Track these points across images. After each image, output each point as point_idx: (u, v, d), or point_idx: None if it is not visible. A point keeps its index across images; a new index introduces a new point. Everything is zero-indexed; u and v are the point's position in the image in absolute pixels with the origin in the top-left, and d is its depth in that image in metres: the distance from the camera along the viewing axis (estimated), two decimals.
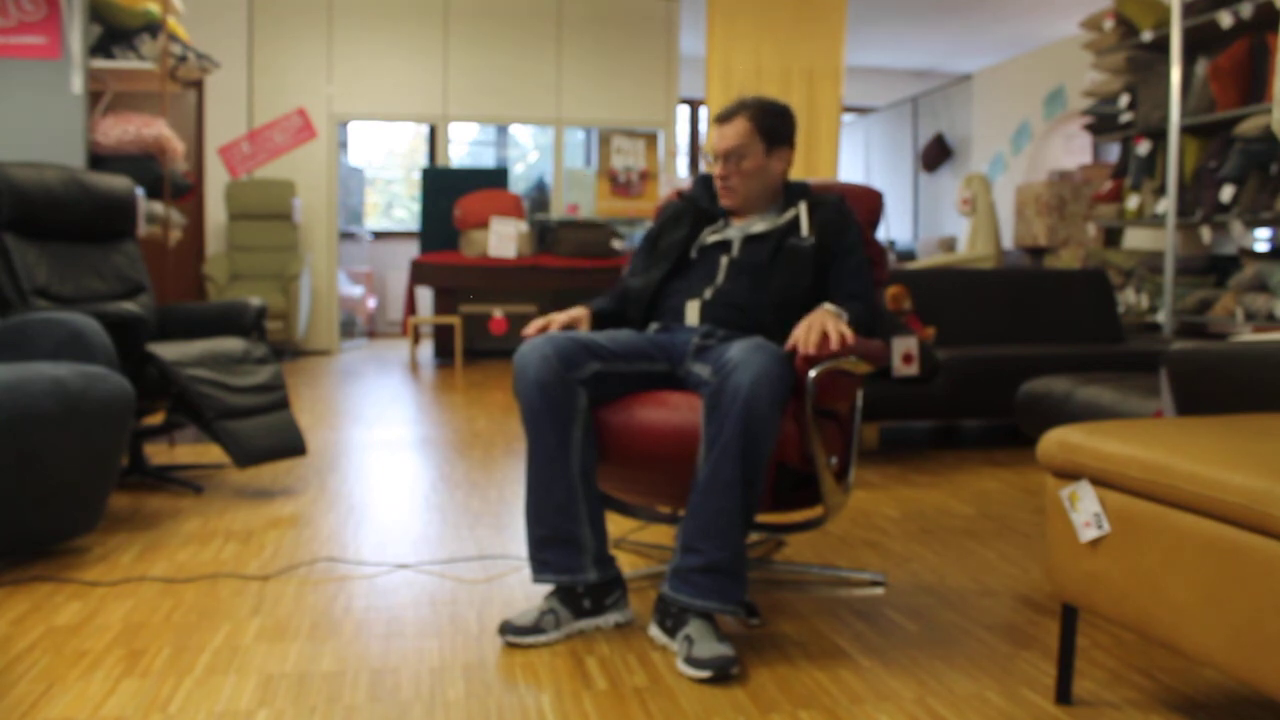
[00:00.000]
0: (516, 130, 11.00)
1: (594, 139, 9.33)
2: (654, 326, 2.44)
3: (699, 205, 2.55)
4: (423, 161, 10.58)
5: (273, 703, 1.82)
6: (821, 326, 2.13)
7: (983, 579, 2.58)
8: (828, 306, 2.25)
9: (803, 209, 2.45)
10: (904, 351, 4.01)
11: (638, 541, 2.83)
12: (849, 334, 2.14)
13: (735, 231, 2.48)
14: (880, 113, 12.06)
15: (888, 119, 12.01)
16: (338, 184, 8.41)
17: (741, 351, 2.05)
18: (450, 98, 8.51)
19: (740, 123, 2.43)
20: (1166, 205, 5.62)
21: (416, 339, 7.79)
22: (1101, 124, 6.41)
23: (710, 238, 2.49)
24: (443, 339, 7.75)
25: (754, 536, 2.62)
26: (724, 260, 2.44)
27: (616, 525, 2.88)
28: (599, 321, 2.47)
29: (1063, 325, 4.78)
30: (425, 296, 8.74)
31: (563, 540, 2.13)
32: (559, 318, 2.38)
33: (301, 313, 7.69)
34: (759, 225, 2.46)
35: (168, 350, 3.30)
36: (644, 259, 2.58)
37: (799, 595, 2.44)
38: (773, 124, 2.45)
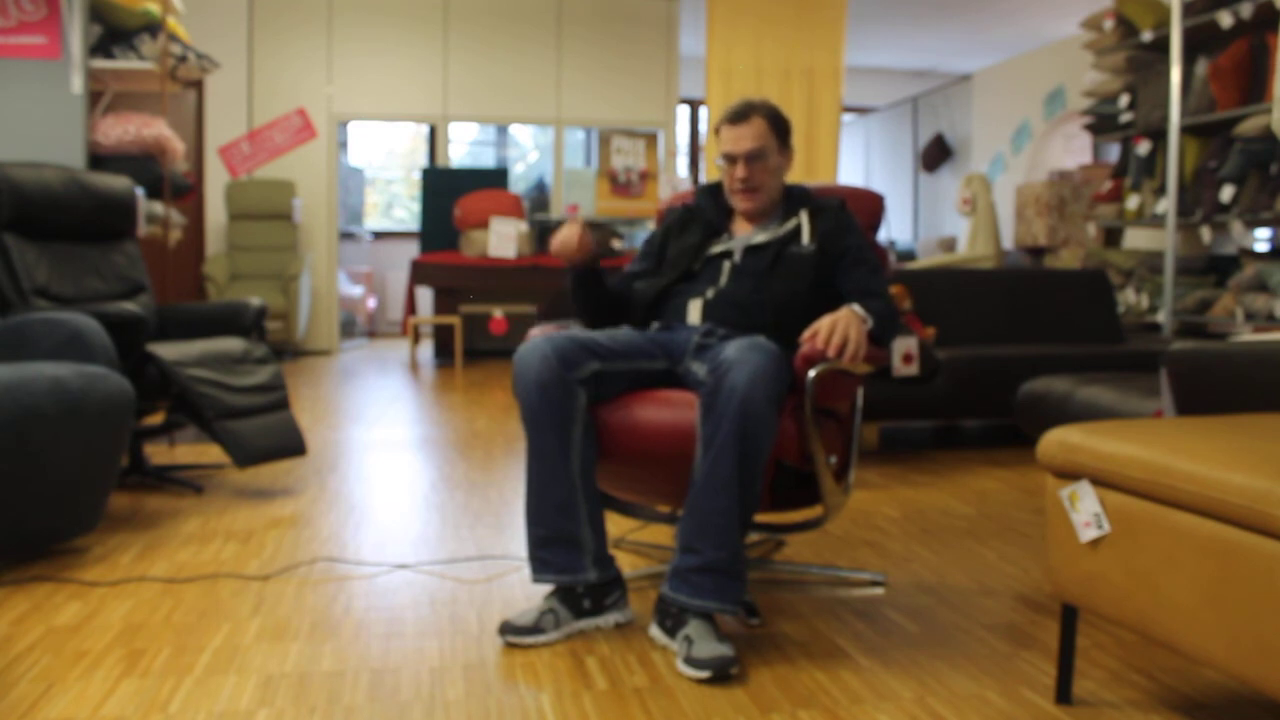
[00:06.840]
0: (516, 130, 11.00)
1: (594, 139, 9.33)
2: (655, 325, 2.44)
3: (705, 217, 2.54)
4: (423, 161, 10.58)
5: (273, 703, 1.82)
6: (845, 332, 2.13)
7: (983, 579, 2.58)
8: (856, 309, 2.21)
9: (804, 217, 2.44)
10: (904, 351, 4.01)
11: (638, 541, 2.83)
12: (864, 351, 2.15)
13: (738, 241, 2.46)
14: (880, 113, 12.06)
15: (888, 119, 12.01)
16: (338, 184, 8.41)
17: (737, 350, 2.05)
18: (450, 98, 8.51)
19: (758, 122, 2.39)
20: (1166, 205, 5.62)
21: (416, 339, 7.79)
22: (1101, 124, 6.41)
23: (714, 248, 2.48)
24: (443, 339, 7.75)
25: (754, 536, 2.62)
26: (726, 265, 2.43)
27: (616, 525, 2.88)
28: (598, 286, 2.47)
29: (1063, 325, 4.77)
30: (425, 296, 8.74)
31: (562, 540, 2.14)
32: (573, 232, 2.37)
33: (301, 313, 7.69)
34: (760, 235, 2.45)
35: (168, 350, 3.30)
36: (650, 262, 2.57)
37: (799, 595, 2.44)
38: (782, 124, 2.45)
